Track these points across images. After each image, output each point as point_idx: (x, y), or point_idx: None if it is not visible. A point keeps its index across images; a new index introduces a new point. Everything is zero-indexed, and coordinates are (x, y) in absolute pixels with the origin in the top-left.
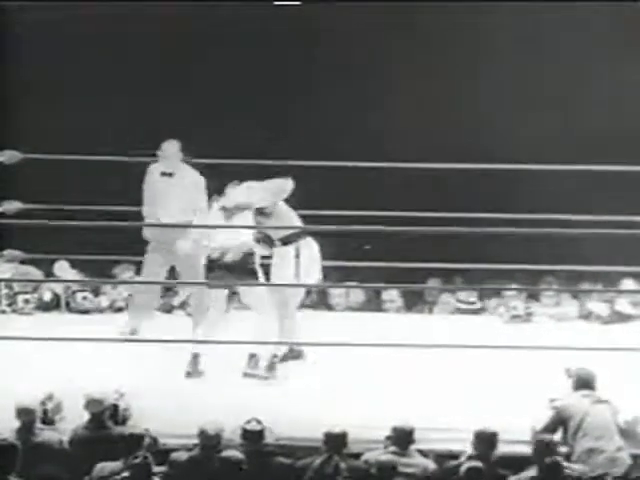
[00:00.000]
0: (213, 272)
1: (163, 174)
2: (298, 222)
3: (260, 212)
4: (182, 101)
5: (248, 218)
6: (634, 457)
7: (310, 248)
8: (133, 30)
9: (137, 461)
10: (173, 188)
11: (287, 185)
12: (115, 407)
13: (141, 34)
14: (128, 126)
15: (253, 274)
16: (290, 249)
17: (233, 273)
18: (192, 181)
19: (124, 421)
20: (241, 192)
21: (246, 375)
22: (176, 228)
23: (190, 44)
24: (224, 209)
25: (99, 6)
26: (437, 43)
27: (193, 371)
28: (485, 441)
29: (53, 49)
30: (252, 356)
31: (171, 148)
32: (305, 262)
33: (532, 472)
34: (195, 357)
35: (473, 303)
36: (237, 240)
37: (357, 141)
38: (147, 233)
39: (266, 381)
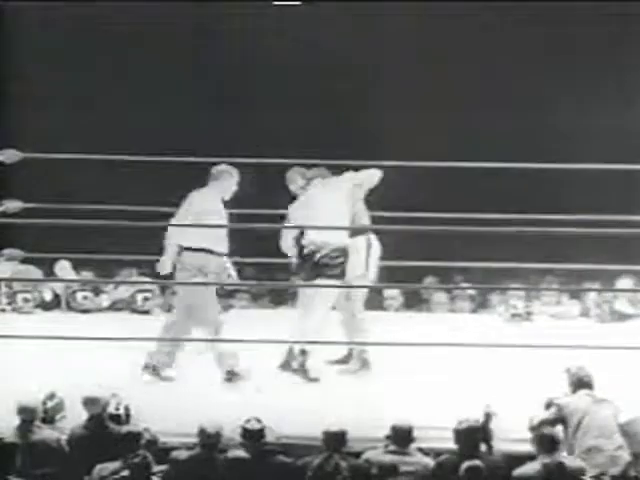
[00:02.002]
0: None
1: None
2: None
3: None
4: (182, 101)
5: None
6: (634, 456)
7: (376, 244)
8: (133, 30)
9: (137, 460)
10: None
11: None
12: (116, 409)
13: (141, 34)
14: (129, 126)
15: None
16: (362, 239)
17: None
18: None
19: (126, 422)
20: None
21: (295, 372)
22: None
23: (190, 44)
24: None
25: (99, 6)
26: (438, 42)
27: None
28: (466, 437)
29: (53, 48)
30: (303, 352)
31: None
32: (372, 255)
33: (535, 466)
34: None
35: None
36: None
37: (356, 141)
38: None
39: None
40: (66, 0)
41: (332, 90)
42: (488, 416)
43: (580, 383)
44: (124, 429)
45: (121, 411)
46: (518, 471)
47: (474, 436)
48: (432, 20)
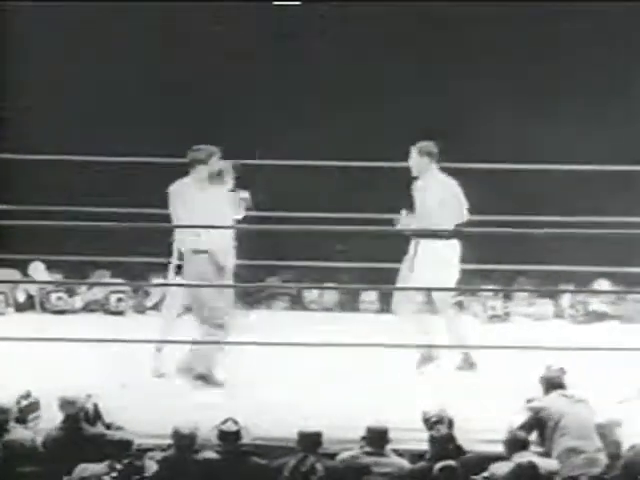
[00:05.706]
0: None
1: None
2: None
3: None
4: (181, 102)
5: None
6: (611, 458)
7: None
8: (134, 29)
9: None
10: None
11: None
12: (87, 410)
13: (142, 34)
14: (126, 126)
15: None
16: None
17: None
18: None
19: (95, 421)
20: None
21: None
22: None
23: (190, 45)
24: None
25: (99, 6)
26: (439, 41)
27: None
28: (440, 442)
29: (53, 48)
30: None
31: None
32: None
33: (509, 465)
34: None
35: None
36: None
37: (354, 140)
38: None
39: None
40: (66, 0)
41: (332, 90)
42: (450, 422)
43: (551, 384)
44: (115, 435)
45: (89, 406)
46: (491, 469)
47: (448, 440)
48: (429, 17)
